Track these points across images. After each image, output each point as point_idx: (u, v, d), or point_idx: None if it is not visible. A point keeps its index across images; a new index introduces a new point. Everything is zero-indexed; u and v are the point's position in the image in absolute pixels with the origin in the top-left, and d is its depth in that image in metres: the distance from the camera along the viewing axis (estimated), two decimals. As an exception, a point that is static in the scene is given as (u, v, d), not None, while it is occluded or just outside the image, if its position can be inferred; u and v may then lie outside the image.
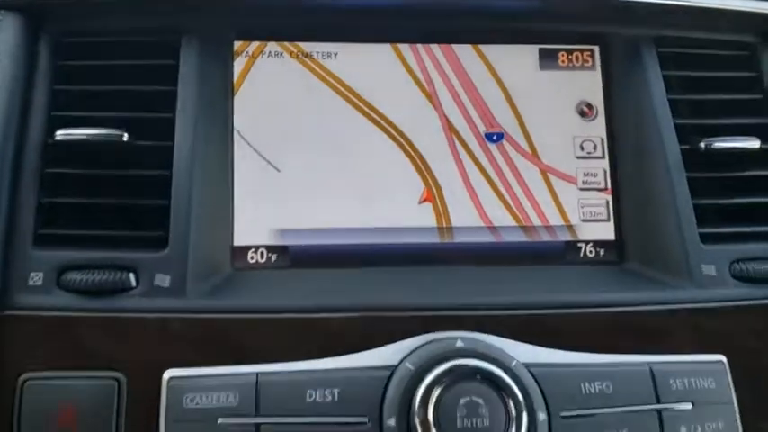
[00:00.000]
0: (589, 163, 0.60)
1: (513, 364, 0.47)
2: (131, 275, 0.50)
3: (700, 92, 0.60)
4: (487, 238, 0.58)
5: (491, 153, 0.60)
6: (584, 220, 0.59)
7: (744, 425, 0.50)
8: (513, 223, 0.59)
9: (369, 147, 0.58)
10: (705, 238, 0.55)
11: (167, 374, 0.47)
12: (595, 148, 0.60)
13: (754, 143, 0.58)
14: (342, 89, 0.59)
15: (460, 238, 0.58)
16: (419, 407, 0.45)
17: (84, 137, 0.53)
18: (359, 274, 0.55)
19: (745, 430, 0.50)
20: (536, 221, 0.59)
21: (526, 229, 0.59)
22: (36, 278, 0.50)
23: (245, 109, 0.58)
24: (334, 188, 0.57)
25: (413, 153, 0.59)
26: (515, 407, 0.45)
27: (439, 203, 0.58)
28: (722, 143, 0.58)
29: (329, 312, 0.50)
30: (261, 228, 0.56)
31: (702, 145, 0.58)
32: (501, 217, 0.59)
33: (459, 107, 0.60)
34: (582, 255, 0.59)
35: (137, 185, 0.53)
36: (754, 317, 0.53)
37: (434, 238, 0.58)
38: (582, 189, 0.60)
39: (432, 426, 0.44)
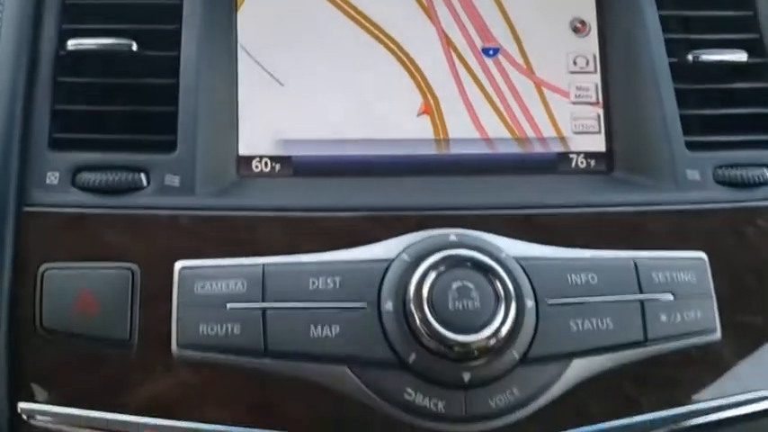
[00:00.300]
0: (582, 77, 0.62)
1: (503, 255, 0.50)
2: (143, 176, 0.53)
3: (690, 8, 0.62)
4: (483, 149, 0.61)
5: (487, 67, 0.62)
6: (575, 133, 0.61)
7: (721, 316, 0.53)
8: (508, 135, 0.61)
9: (369, 61, 0.60)
10: (690, 146, 0.58)
11: (179, 264, 0.50)
12: (588, 63, 0.62)
13: (741, 56, 0.60)
14: (341, 3, 0.61)
15: (457, 150, 0.60)
16: (414, 292, 0.48)
17: (95, 46, 0.56)
18: (359, 182, 0.58)
19: (722, 321, 0.53)
20: (530, 133, 0.61)
21: (520, 140, 0.61)
22: (52, 177, 0.53)
23: (249, 23, 0.60)
24: (335, 101, 0.59)
25: (411, 67, 0.61)
26: (504, 293, 0.48)
27: (436, 116, 0.61)
28: (709, 56, 0.60)
29: (331, 211, 0.53)
30: (265, 138, 0.59)
31: (690, 58, 0.60)
32: (496, 129, 0.61)
33: (456, 22, 0.62)
34: (573, 165, 0.61)
35: (146, 93, 0.56)
36: (734, 218, 0.56)
37: (432, 150, 0.60)
38: (574, 103, 0.62)
39: (426, 307, 0.47)
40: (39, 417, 0.48)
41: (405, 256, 0.50)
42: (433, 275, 0.48)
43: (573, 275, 0.51)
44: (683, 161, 0.57)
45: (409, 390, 0.48)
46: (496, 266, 0.49)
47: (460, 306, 0.47)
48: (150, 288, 0.50)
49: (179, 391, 0.48)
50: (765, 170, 0.58)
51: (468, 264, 0.49)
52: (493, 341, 0.47)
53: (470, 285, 0.48)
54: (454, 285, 0.48)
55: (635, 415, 0.50)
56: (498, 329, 0.47)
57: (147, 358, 0.49)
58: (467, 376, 0.47)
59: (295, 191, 0.56)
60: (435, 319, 0.47)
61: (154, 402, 0.48)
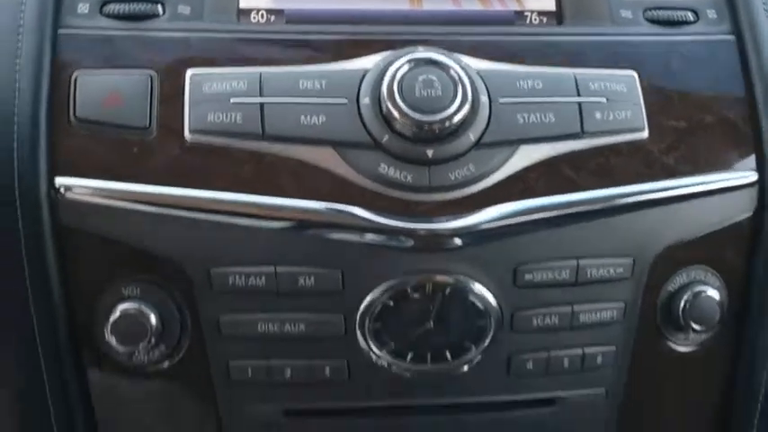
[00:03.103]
0: None
1: (463, 62, 0.60)
2: (159, 6, 0.63)
3: None
4: (450, 5, 0.70)
5: None
6: None
7: (649, 121, 0.62)
8: None
9: None
10: None
11: (190, 71, 0.60)
12: None
13: None
14: None
15: (427, 6, 0.70)
16: (387, 86, 0.57)
17: None
18: (344, 26, 0.67)
19: (649, 124, 0.62)
20: (490, -8, 0.71)
21: None
22: (83, 8, 0.62)
23: None
24: None
25: None
26: (462, 85, 0.58)
27: None
28: None
29: (320, 34, 0.63)
30: None
31: None
32: None
33: None
34: (528, 21, 0.71)
35: None
36: (660, 47, 0.66)
37: (405, 5, 0.70)
38: None
39: (396, 95, 0.57)
40: (75, 189, 0.57)
41: (380, 63, 0.60)
42: (402, 71, 0.58)
43: (521, 81, 0.61)
44: (618, 3, 0.67)
45: (383, 165, 0.57)
46: (456, 66, 0.58)
47: (425, 94, 0.57)
48: (166, 89, 0.59)
49: (191, 168, 0.58)
50: (688, 13, 0.68)
51: (433, 63, 0.58)
52: (451, 122, 0.56)
53: (434, 78, 0.58)
54: (420, 78, 0.58)
55: (573, 192, 0.60)
56: (456, 111, 0.57)
57: (165, 141, 0.58)
58: (430, 152, 0.57)
59: (288, 27, 0.66)
60: (404, 103, 0.56)
61: (171, 176, 0.57)
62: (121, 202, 0.57)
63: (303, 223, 0.58)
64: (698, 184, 0.62)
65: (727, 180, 0.62)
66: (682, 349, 0.65)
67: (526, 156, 0.59)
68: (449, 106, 0.57)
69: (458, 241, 0.58)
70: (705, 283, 0.63)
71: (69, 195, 0.58)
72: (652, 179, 0.61)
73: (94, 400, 0.61)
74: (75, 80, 0.59)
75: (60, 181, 0.58)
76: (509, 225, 0.58)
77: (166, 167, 0.58)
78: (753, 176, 0.63)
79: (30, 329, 0.58)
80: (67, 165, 0.58)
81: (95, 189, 0.58)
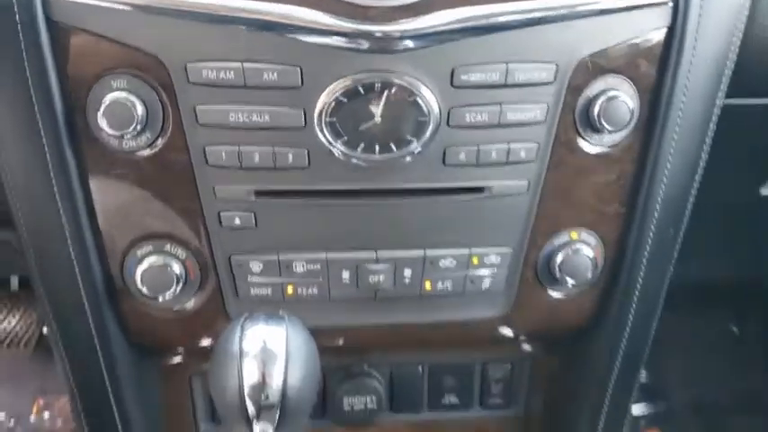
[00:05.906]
0: None
1: None
2: None
3: None
4: None
5: None
6: None
7: None
8: None
9: None
10: None
11: None
12: None
13: None
14: None
15: None
16: None
17: None
18: None
19: None
20: None
21: None
22: None
23: None
24: None
25: None
26: None
27: None
28: None
29: None
30: None
31: None
32: None
33: None
34: None
35: None
36: None
37: None
38: None
39: None
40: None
41: None
42: None
43: None
44: None
45: None
46: None
47: None
48: None
49: None
50: None
51: None
52: None
53: None
54: None
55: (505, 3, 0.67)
56: None
57: None
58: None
59: None
60: None
61: None
62: (108, 3, 0.65)
63: (266, 24, 0.66)
64: (615, 1, 0.70)
65: (643, -2, 0.71)
66: (596, 149, 0.75)
67: None
68: None
69: (408, 43, 0.66)
70: (619, 90, 0.72)
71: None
72: None
73: (91, 183, 0.72)
74: None
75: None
76: (450, 30, 0.67)
77: None
78: (665, -5, 0.71)
79: (32, 112, 0.67)
80: None
81: None
